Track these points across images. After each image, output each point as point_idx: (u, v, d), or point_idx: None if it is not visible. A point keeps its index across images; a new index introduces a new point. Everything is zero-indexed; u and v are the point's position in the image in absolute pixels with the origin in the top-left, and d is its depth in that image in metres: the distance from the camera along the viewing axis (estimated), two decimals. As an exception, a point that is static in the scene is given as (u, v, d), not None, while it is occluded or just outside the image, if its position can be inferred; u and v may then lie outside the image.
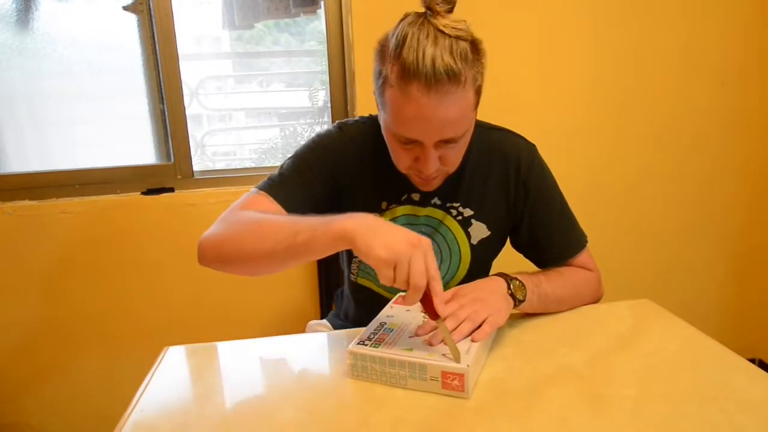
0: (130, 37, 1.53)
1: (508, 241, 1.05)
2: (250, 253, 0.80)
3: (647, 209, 1.82)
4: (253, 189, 0.93)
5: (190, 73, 1.61)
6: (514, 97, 1.66)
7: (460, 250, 1.00)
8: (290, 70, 1.80)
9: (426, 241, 0.71)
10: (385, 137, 0.89)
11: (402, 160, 0.87)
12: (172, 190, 1.58)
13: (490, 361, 0.81)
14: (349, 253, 1.06)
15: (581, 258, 1.00)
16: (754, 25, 1.71)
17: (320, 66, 1.71)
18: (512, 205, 0.99)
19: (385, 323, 0.83)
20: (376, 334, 0.80)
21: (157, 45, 1.51)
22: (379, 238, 0.69)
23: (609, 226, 1.80)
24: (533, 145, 1.00)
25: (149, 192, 1.57)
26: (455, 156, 0.87)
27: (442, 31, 0.76)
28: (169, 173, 1.59)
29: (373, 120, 0.97)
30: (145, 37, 1.52)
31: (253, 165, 1.74)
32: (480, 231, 0.99)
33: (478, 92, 0.82)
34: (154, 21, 1.49)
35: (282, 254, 0.78)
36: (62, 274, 1.55)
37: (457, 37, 0.76)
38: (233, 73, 1.82)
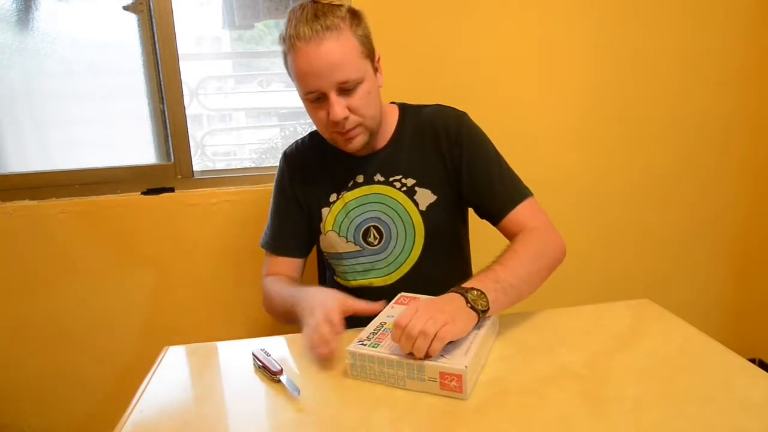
0: (130, 37, 1.52)
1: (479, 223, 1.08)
2: (278, 317, 1.06)
3: (647, 209, 1.82)
4: (262, 245, 1.16)
5: (190, 73, 1.61)
6: (515, 98, 1.65)
7: (411, 219, 1.05)
8: (290, 70, 1.79)
9: (326, 305, 0.84)
10: (306, 111, 1.00)
11: (320, 120, 0.98)
12: (172, 190, 1.58)
13: (489, 361, 0.81)
14: (327, 260, 1.15)
15: (527, 208, 1.01)
16: (754, 25, 1.71)
17: (320, 66, 1.70)
18: (449, 164, 1.05)
19: (385, 323, 0.83)
20: (376, 334, 0.80)
21: (157, 45, 1.51)
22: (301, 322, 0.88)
23: (609, 226, 1.80)
24: (463, 113, 1.08)
25: (149, 192, 1.57)
26: (363, 105, 0.96)
27: (316, 2, 0.93)
28: (169, 173, 1.59)
29: (312, 132, 1.14)
30: (145, 37, 1.52)
31: (253, 165, 1.74)
32: (426, 197, 1.05)
33: (364, 45, 0.95)
34: (154, 21, 1.49)
35: (290, 320, 0.98)
36: (62, 274, 1.55)
37: (330, 4, 0.92)
38: (233, 73, 1.82)
